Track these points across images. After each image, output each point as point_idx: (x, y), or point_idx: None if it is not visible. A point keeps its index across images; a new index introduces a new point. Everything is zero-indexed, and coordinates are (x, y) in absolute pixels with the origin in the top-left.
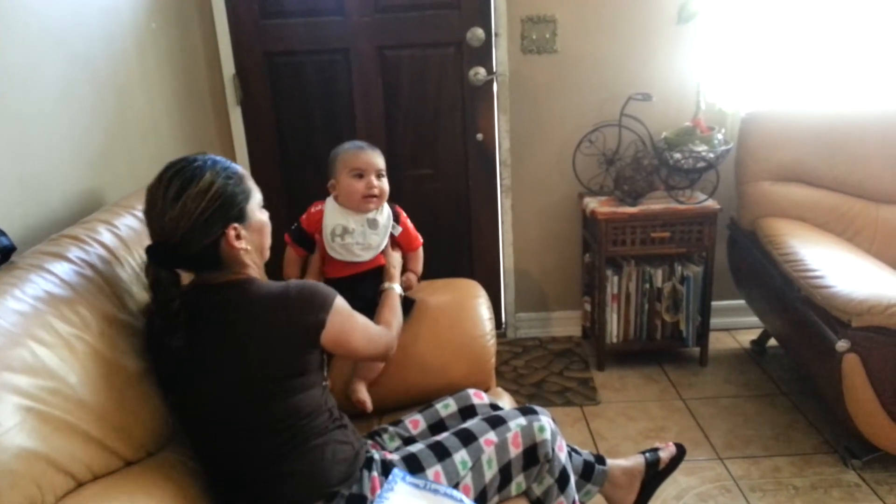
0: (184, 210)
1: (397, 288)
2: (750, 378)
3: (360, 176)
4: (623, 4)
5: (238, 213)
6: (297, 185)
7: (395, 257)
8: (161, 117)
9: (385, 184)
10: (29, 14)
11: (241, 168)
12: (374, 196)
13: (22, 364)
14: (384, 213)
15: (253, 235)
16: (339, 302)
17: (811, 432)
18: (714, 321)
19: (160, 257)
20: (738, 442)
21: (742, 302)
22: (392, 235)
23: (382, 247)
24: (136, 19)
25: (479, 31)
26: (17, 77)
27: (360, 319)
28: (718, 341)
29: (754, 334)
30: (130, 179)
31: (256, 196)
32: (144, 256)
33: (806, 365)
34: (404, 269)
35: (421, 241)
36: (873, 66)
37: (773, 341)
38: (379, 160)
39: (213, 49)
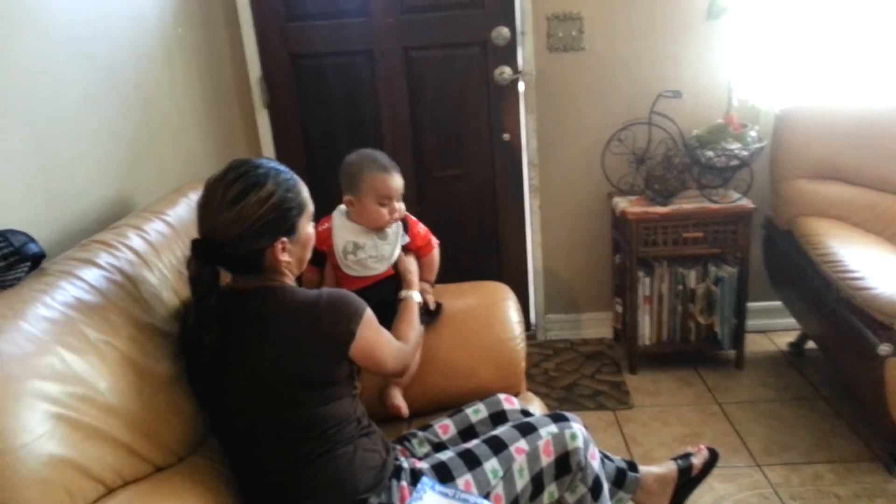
0: (239, 215)
1: (416, 296)
2: (788, 382)
3: (384, 203)
4: (651, 0)
5: (289, 228)
6: (322, 186)
7: (411, 262)
8: (188, 121)
9: (403, 204)
10: (53, 23)
11: (299, 178)
12: (395, 219)
13: (51, 371)
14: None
15: (297, 248)
16: (369, 314)
17: (853, 438)
18: (750, 323)
19: (205, 253)
20: (776, 448)
21: (779, 303)
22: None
23: (395, 256)
24: (163, 25)
25: (504, 30)
26: (43, 86)
27: (386, 334)
28: (755, 344)
29: (792, 336)
30: (159, 183)
31: (309, 209)
32: (174, 262)
33: (846, 369)
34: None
35: (435, 244)
36: None
37: (811, 343)
38: (401, 181)
39: (240, 52)
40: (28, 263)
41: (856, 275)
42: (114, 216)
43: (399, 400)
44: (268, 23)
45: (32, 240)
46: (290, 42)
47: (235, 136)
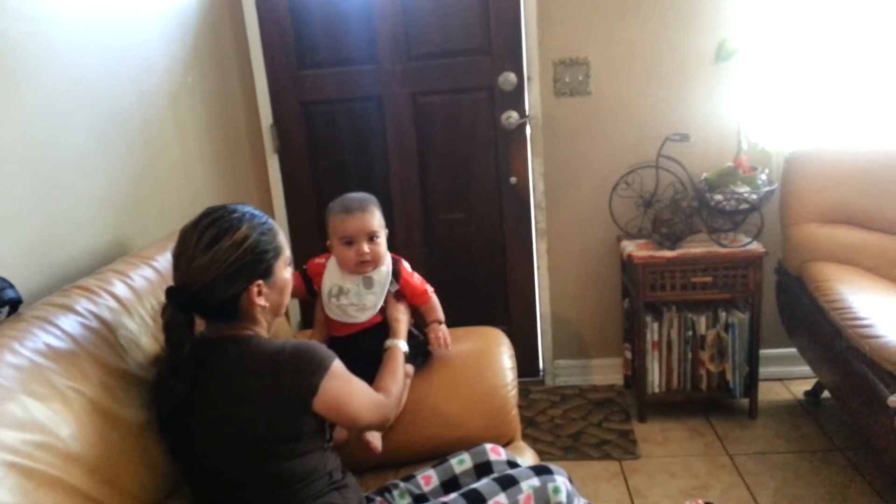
0: (213, 260)
1: (402, 345)
2: (803, 432)
3: (351, 243)
4: (658, 44)
5: (265, 271)
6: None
7: (400, 309)
8: (196, 167)
9: (379, 245)
10: (59, 68)
11: (275, 223)
12: (367, 262)
13: (10, 419)
14: (381, 271)
15: (274, 293)
16: (337, 367)
17: (868, 493)
18: (766, 370)
19: (179, 301)
20: (787, 502)
21: (795, 350)
22: (390, 292)
23: (378, 307)
24: (172, 74)
25: (511, 76)
26: (46, 129)
27: (359, 385)
28: (770, 392)
29: (809, 384)
30: (162, 229)
31: (285, 253)
32: (156, 307)
33: (859, 419)
34: (426, 323)
35: (430, 293)
36: None
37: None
38: (369, 222)
39: (252, 100)
40: (5, 309)
41: (864, 322)
42: (110, 260)
43: (372, 436)
44: (279, 71)
45: (10, 285)
46: (301, 89)
47: (245, 181)
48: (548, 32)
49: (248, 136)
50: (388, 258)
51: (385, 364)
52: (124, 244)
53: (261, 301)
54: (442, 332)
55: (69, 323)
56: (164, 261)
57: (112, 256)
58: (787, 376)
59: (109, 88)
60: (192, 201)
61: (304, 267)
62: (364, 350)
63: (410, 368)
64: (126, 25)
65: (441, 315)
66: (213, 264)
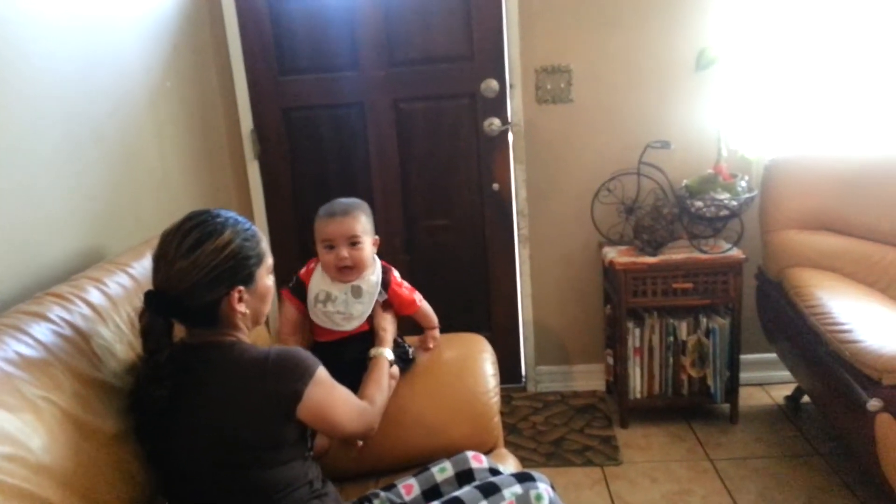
0: (194, 264)
1: (387, 354)
2: (783, 437)
3: (331, 247)
4: (639, 52)
5: (246, 277)
6: (312, 239)
7: (387, 319)
8: (175, 174)
9: (362, 251)
10: (32, 72)
11: (259, 230)
12: (347, 267)
13: None
14: (370, 280)
15: (254, 300)
16: (321, 374)
17: (848, 496)
18: (746, 375)
19: (158, 305)
20: None
21: (775, 355)
22: (378, 301)
23: (366, 316)
24: (150, 79)
25: (493, 83)
26: (18, 134)
27: (343, 393)
28: (751, 397)
29: (789, 389)
30: (139, 235)
31: (268, 261)
32: (132, 314)
33: (839, 424)
34: (415, 330)
35: (418, 302)
36: None
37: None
38: (350, 226)
39: (232, 106)
40: None
41: (844, 327)
42: (85, 267)
43: None
44: (260, 77)
45: None
46: (282, 95)
47: (225, 188)
48: (530, 40)
49: (228, 141)
50: (377, 266)
51: (370, 373)
52: (100, 251)
53: (241, 308)
54: (434, 337)
55: (41, 331)
56: (141, 268)
57: (87, 263)
58: (768, 381)
59: (85, 92)
60: (170, 207)
61: (294, 281)
62: (349, 358)
63: (396, 370)
64: (102, 29)
65: (434, 321)
66: (194, 268)
